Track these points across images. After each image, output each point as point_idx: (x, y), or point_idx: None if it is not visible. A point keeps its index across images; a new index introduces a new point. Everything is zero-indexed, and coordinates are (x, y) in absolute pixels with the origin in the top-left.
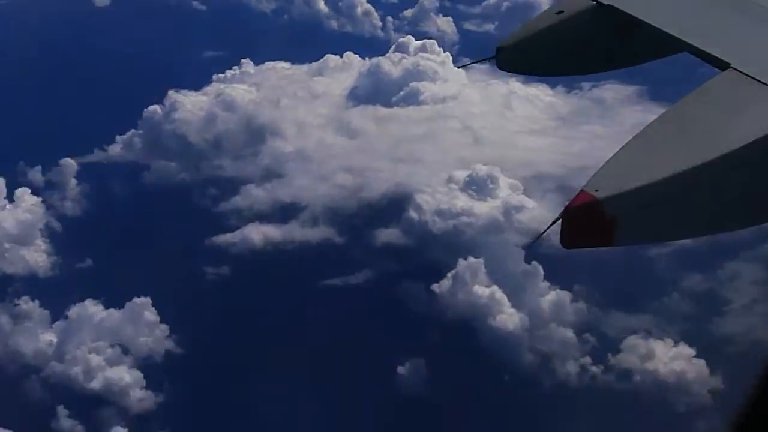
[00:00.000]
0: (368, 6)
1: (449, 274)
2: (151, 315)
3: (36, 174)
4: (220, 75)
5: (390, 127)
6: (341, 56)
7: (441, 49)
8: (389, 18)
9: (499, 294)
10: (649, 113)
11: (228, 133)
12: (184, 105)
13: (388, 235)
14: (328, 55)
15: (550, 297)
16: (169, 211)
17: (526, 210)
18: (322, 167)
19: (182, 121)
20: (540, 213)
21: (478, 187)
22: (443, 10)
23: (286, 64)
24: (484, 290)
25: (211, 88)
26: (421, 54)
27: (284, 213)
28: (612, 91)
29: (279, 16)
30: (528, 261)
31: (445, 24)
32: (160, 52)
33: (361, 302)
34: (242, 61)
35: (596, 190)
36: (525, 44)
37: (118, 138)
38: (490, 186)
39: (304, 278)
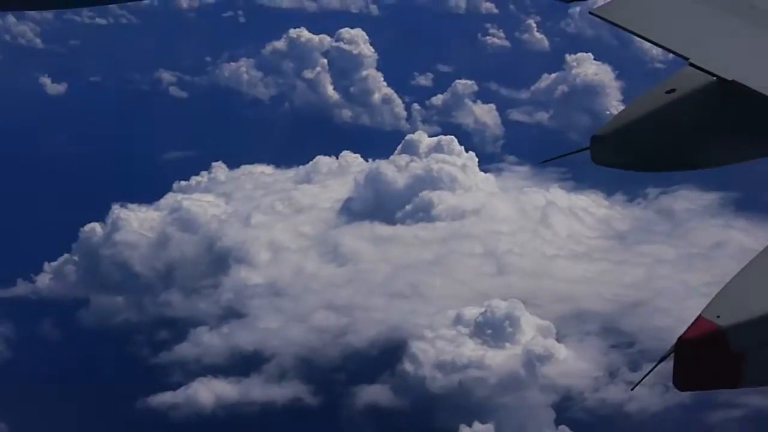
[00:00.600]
0: (389, 91)
1: None
2: None
3: None
4: (182, 182)
5: (390, 250)
6: (337, 157)
7: (462, 147)
8: (415, 106)
9: None
10: (731, 228)
11: (182, 261)
12: (130, 223)
13: (375, 393)
14: (319, 157)
15: None
16: (103, 361)
17: (556, 360)
18: (298, 305)
19: (126, 245)
20: (575, 365)
21: (493, 330)
22: (482, 95)
23: (268, 168)
24: None
25: (167, 200)
26: (435, 155)
27: (243, 365)
28: (685, 199)
29: (278, 105)
30: (558, 425)
31: (485, 113)
32: (112, 151)
33: None
34: (213, 164)
35: (718, 317)
36: (628, 132)
37: (46, 266)
38: (509, 329)
39: None
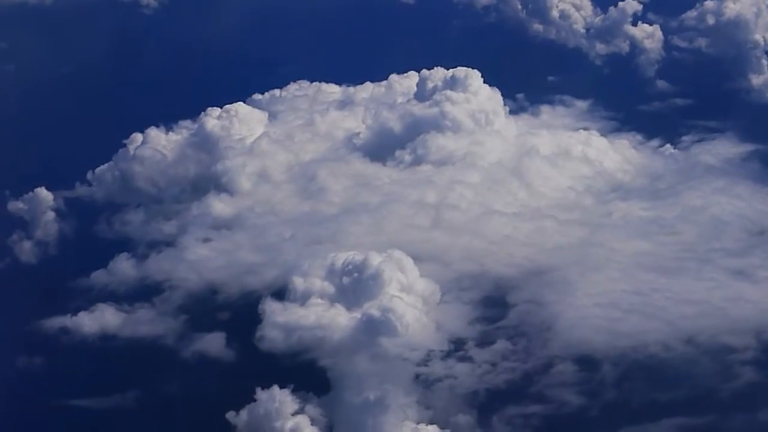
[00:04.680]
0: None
1: None
2: None
3: None
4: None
5: (360, 191)
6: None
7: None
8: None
9: None
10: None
11: (175, 182)
12: (159, 141)
13: (207, 343)
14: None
15: None
16: None
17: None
18: (238, 239)
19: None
20: (421, 335)
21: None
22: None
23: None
24: None
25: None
26: (448, 92)
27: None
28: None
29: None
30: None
31: (646, 34)
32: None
33: None
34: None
35: None
36: None
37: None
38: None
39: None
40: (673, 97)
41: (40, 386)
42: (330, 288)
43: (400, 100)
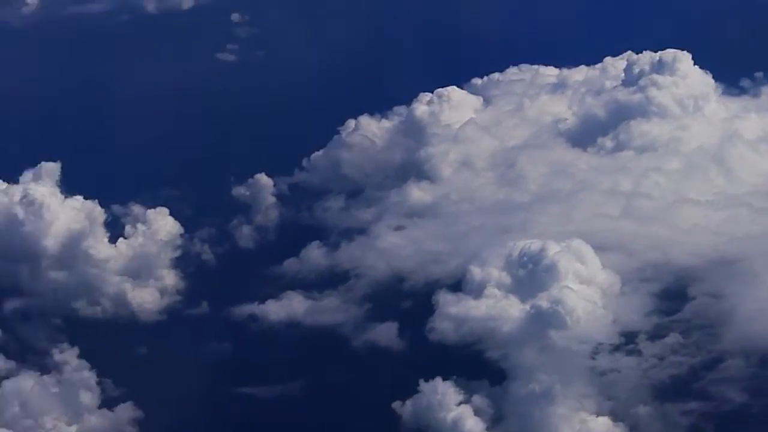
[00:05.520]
0: None
1: None
2: None
3: None
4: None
5: (555, 179)
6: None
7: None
8: None
9: None
10: None
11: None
12: (371, 129)
13: (379, 333)
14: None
15: None
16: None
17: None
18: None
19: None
20: (590, 328)
21: (530, 276)
22: None
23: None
24: None
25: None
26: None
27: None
28: None
29: None
30: None
31: None
32: None
33: None
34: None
35: None
36: None
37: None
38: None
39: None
40: None
41: (220, 373)
42: (507, 278)
43: (608, 84)
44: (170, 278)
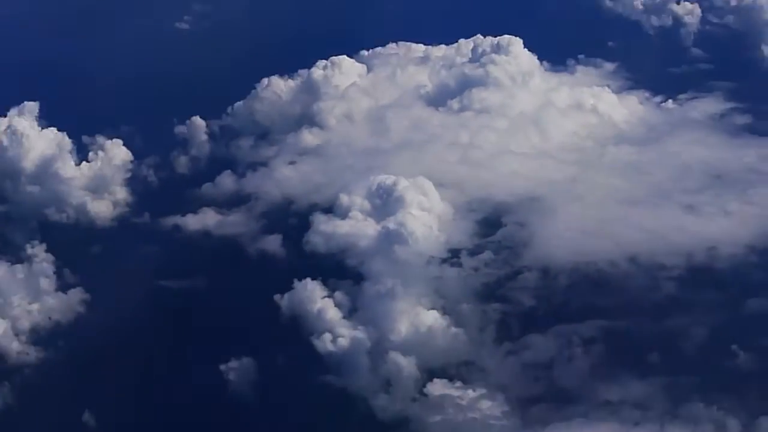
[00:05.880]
0: None
1: None
2: None
3: None
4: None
5: (413, 132)
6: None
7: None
8: None
9: None
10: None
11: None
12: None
13: (268, 243)
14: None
15: None
16: None
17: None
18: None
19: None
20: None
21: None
22: None
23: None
24: None
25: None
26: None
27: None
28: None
29: None
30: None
31: (687, 11)
32: None
33: None
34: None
35: None
36: None
37: None
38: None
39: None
40: (700, 62)
41: (149, 268)
42: (367, 205)
43: (458, 60)
44: (122, 194)
